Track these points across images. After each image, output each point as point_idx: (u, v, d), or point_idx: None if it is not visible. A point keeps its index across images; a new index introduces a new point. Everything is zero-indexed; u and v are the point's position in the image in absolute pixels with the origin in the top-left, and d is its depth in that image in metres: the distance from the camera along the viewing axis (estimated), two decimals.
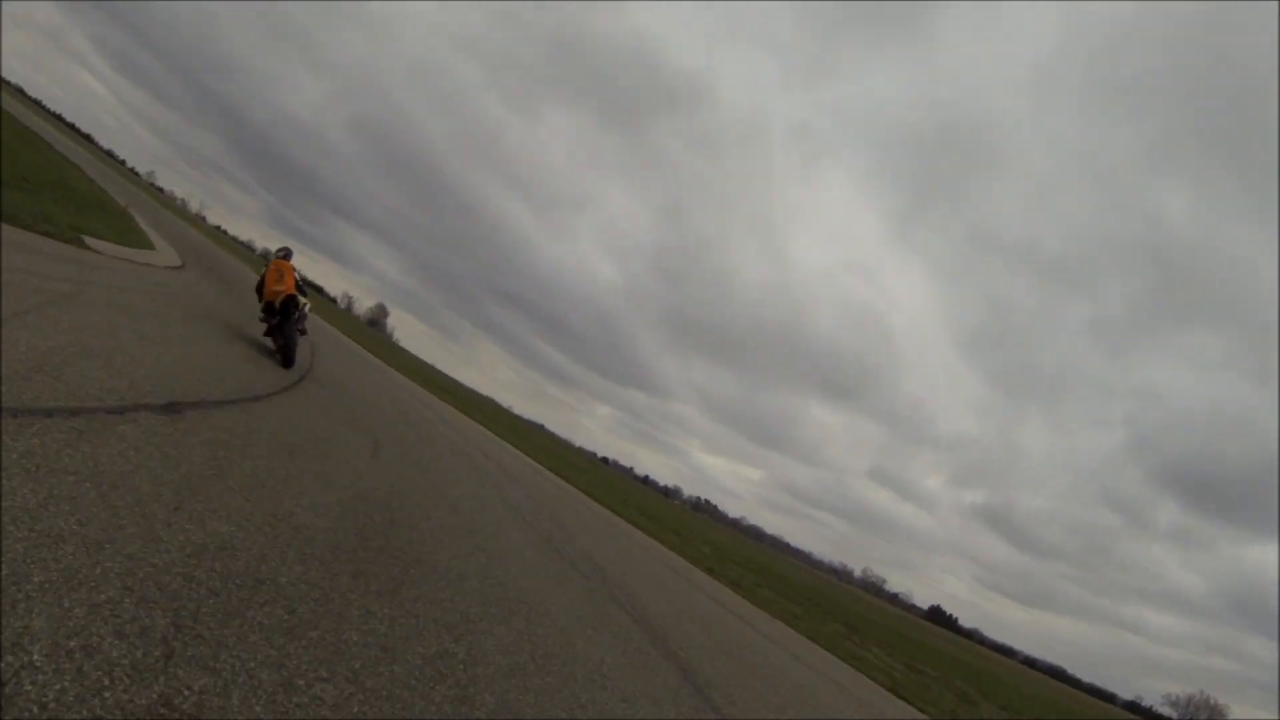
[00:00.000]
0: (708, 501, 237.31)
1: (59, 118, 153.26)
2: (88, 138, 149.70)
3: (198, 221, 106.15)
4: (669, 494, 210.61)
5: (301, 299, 11.02)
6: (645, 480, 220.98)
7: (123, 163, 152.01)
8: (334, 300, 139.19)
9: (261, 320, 11.13)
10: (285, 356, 10.32)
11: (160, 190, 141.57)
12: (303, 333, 11.35)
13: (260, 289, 11.35)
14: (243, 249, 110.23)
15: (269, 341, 11.10)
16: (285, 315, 10.66)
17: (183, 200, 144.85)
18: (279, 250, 11.86)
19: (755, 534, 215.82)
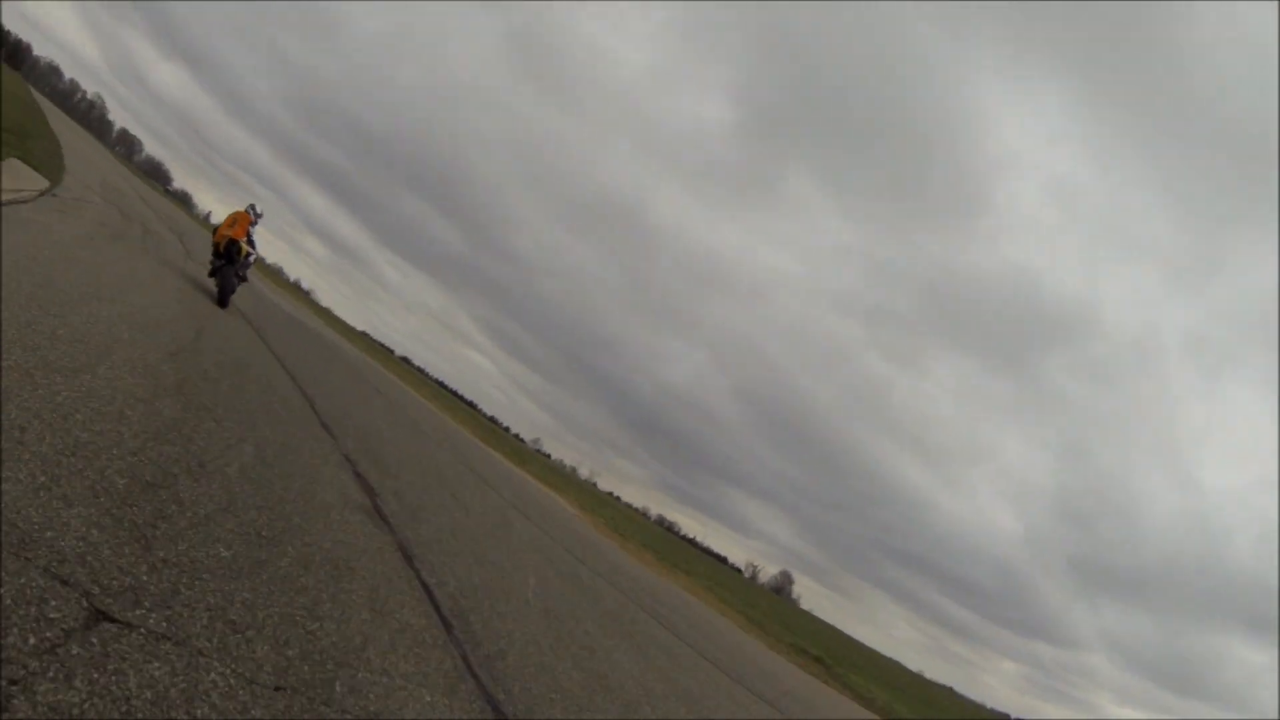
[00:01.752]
0: None
1: (456, 394, 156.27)
2: (471, 405, 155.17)
3: (590, 487, 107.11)
4: None
5: (246, 248, 11.85)
6: None
7: (507, 429, 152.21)
8: (739, 570, 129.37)
9: (210, 262, 11.93)
10: (221, 297, 11.19)
11: (548, 456, 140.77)
12: (243, 279, 12.13)
13: (214, 232, 12.29)
14: (639, 516, 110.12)
15: (212, 282, 11.87)
16: (229, 259, 11.53)
17: (572, 467, 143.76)
18: (248, 206, 12.65)
19: None
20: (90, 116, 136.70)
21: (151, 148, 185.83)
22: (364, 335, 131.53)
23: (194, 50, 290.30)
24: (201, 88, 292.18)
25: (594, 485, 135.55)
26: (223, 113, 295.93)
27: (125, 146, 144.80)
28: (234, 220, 12.04)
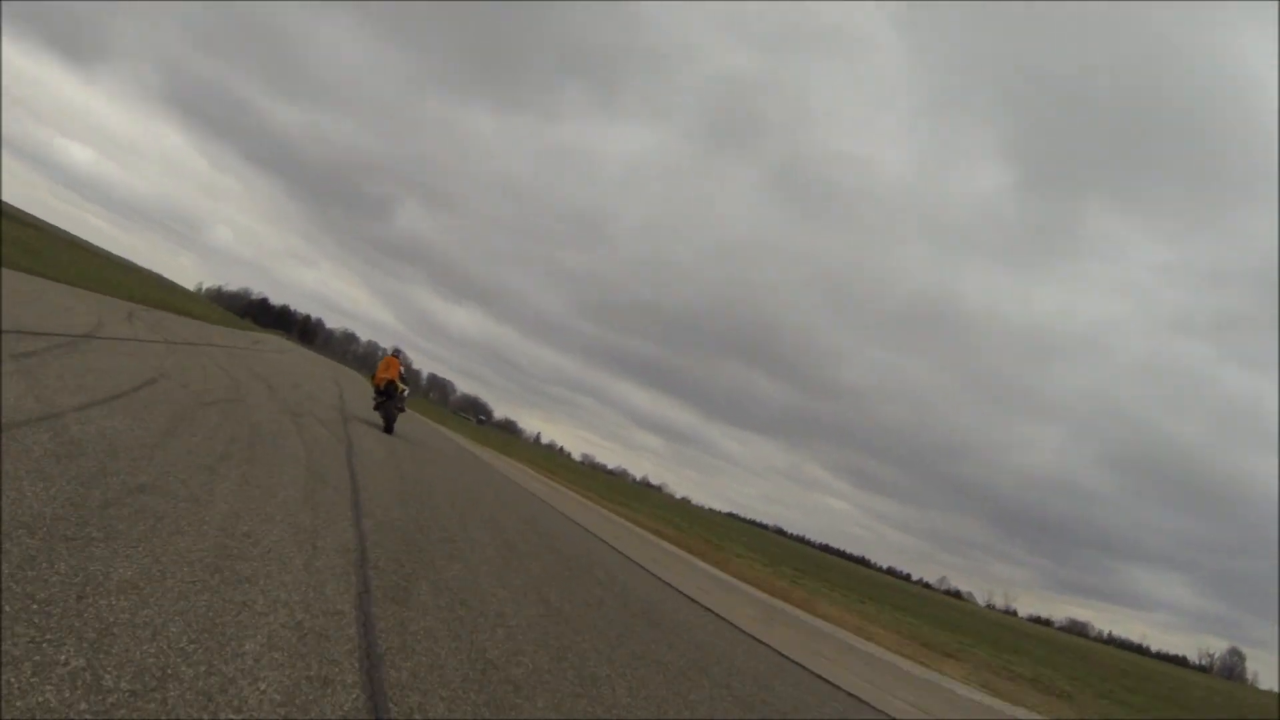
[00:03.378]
0: None
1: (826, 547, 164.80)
2: (840, 553, 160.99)
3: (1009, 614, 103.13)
4: None
5: (401, 385, 14.25)
6: None
7: (871, 565, 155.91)
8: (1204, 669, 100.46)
9: (374, 399, 14.43)
10: (387, 424, 13.58)
11: (957, 594, 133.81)
12: (401, 410, 14.45)
13: (373, 376, 14.90)
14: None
15: (378, 415, 14.29)
16: (389, 395, 13.92)
17: (968, 593, 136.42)
18: (392, 349, 15.44)
19: None
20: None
21: (465, 385, 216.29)
22: (731, 515, 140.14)
23: (480, 290, 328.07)
24: (495, 319, 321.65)
25: (1012, 612, 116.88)
26: (520, 336, 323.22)
27: (438, 391, 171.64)
28: (388, 365, 14.67)
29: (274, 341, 50.51)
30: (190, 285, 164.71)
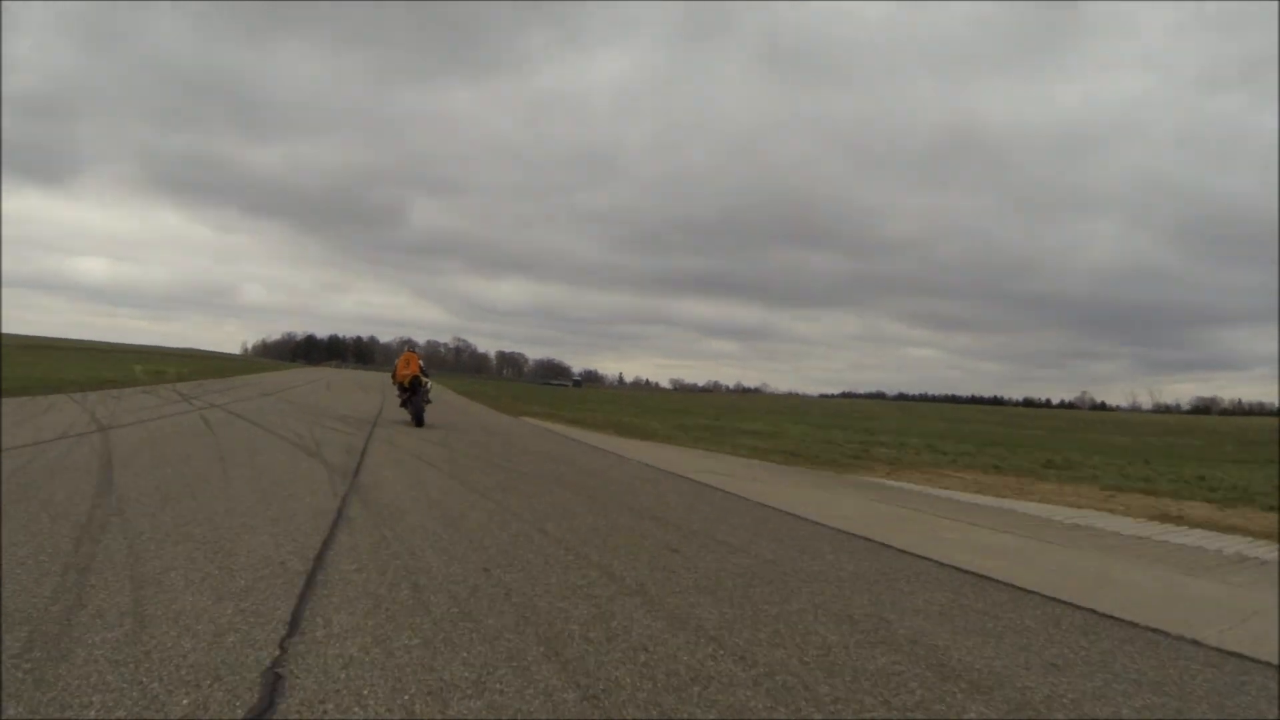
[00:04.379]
0: None
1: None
2: (974, 399, 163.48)
3: None
4: None
5: (424, 379, 14.87)
6: None
7: (1005, 401, 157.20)
8: None
9: (398, 396, 15.31)
10: (416, 419, 14.17)
11: (1103, 406, 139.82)
12: (427, 402, 14.94)
13: (394, 375, 15.60)
14: None
15: (405, 410, 15.15)
16: (414, 390, 14.53)
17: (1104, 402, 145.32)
18: (406, 344, 16.17)
19: None
20: (465, 355, 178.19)
21: (535, 352, 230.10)
22: (845, 395, 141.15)
23: (516, 259, 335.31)
24: (540, 280, 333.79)
25: None
26: (569, 289, 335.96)
27: (511, 367, 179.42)
28: (407, 361, 15.17)
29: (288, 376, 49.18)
30: (238, 349, 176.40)
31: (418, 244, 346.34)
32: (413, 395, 14.44)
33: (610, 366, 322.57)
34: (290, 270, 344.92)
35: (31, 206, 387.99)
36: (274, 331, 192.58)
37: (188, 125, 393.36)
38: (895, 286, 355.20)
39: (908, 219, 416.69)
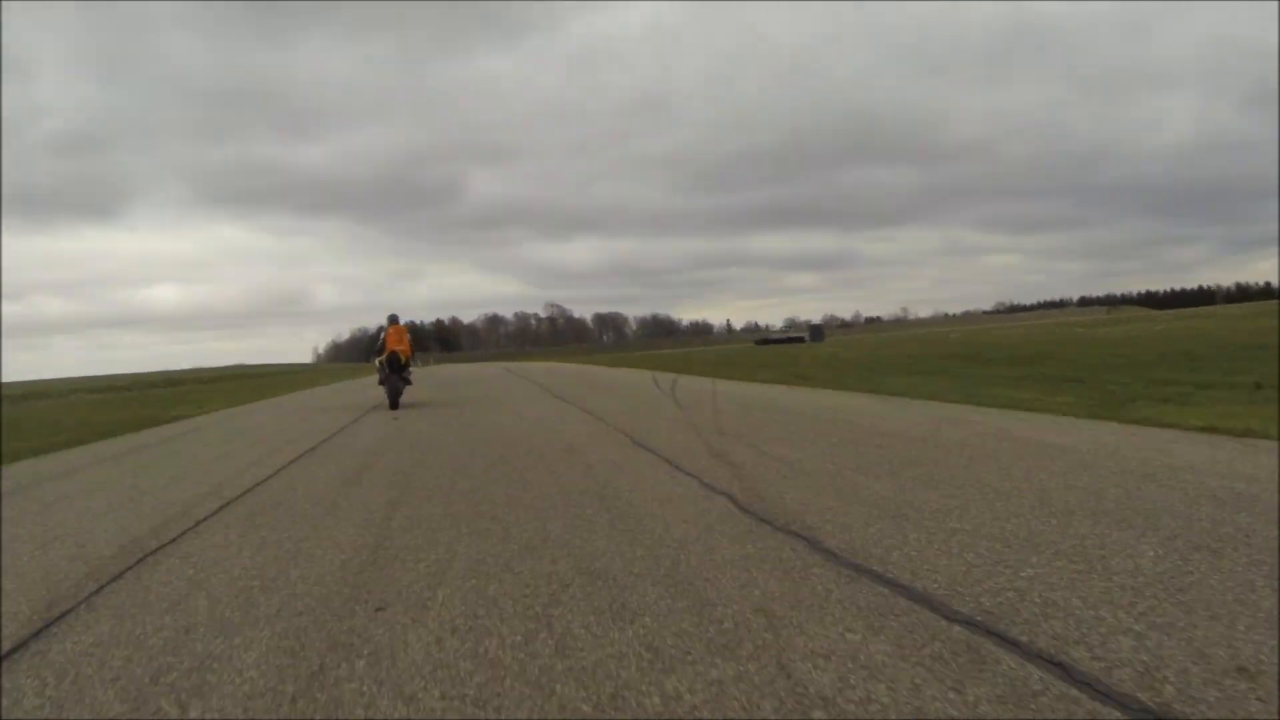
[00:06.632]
0: None
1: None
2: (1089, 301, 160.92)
3: None
4: None
5: (404, 357, 13.45)
6: None
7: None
8: None
9: (378, 370, 13.61)
10: (392, 401, 13.07)
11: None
12: (408, 382, 13.71)
13: (381, 346, 13.48)
14: None
15: (383, 389, 13.58)
16: (395, 368, 13.19)
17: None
18: (391, 316, 14.03)
19: None
20: (560, 323, 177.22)
21: (635, 310, 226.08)
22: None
23: (582, 218, 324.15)
24: (611, 237, 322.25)
25: None
26: (642, 240, 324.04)
27: (613, 330, 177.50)
28: (400, 335, 13.52)
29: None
30: (309, 356, 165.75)
31: (481, 218, 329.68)
32: (392, 373, 13.08)
33: (699, 313, 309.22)
34: (358, 265, 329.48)
35: (92, 245, 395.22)
36: (343, 331, 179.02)
37: (226, 136, 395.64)
38: (968, 193, 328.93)
39: (972, 122, 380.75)
